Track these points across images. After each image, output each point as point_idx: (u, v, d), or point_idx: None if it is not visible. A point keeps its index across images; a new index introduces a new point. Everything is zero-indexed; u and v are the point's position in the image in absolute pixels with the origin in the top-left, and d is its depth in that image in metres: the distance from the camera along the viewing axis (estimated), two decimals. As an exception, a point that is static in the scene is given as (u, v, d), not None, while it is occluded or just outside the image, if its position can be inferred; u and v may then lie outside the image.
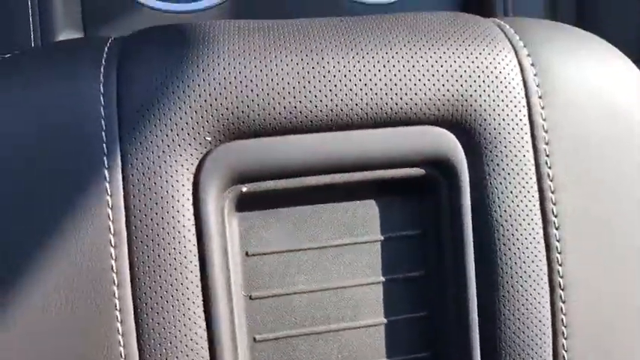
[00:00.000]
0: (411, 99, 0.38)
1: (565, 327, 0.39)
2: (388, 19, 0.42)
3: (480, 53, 0.39)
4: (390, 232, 0.40)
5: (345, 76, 0.37)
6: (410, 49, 0.39)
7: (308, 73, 0.37)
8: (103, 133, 0.35)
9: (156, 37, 0.39)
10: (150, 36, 0.40)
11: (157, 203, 0.35)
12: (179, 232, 0.35)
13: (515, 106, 0.39)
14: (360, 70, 0.37)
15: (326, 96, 0.37)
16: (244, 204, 0.38)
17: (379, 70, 0.38)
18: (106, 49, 0.38)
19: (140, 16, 0.64)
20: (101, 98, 0.35)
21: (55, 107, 0.35)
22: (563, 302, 0.39)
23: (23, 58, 0.39)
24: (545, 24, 0.45)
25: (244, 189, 0.37)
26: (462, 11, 0.70)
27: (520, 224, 0.39)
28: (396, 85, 0.38)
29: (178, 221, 0.35)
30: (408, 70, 0.38)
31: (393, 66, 0.38)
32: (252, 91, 0.36)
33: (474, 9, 0.67)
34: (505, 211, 0.39)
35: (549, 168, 0.39)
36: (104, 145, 0.35)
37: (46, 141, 0.35)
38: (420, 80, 0.38)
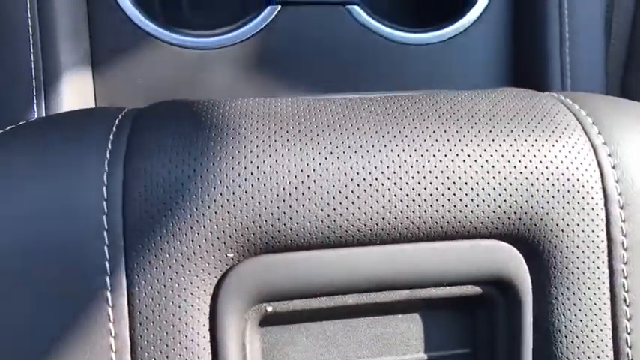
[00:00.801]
0: (468, 208, 0.32)
1: None
2: (437, 100, 0.36)
3: (550, 150, 0.33)
4: (436, 350, 0.35)
5: (389, 179, 0.31)
6: (466, 144, 0.33)
7: (347, 176, 0.31)
8: (106, 248, 0.29)
9: (170, 119, 0.33)
10: (163, 118, 0.34)
11: (167, 333, 0.29)
12: (193, 363, 0.29)
13: (593, 220, 0.33)
14: (407, 173, 0.31)
15: (371, 207, 0.31)
16: (268, 320, 0.33)
17: (430, 172, 0.32)
18: (112, 134, 0.32)
19: (153, 51, 0.57)
20: (104, 205, 0.30)
21: (48, 213, 0.30)
22: None
23: (18, 139, 0.34)
24: (622, 106, 0.39)
25: (269, 308, 0.32)
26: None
27: (585, 352, 0.33)
28: (449, 190, 0.32)
29: (192, 352, 0.30)
30: (465, 172, 0.32)
31: (447, 166, 0.32)
32: (284, 196, 0.30)
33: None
34: (571, 332, 0.33)
35: (626, 292, 0.33)
36: (106, 262, 0.29)
37: (37, 255, 0.29)
38: (478, 184, 0.32)
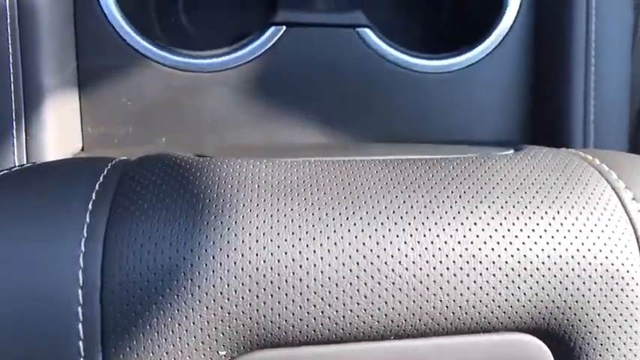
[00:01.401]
0: (492, 299, 0.28)
1: None
2: (454, 167, 0.32)
3: (585, 232, 0.30)
4: None
5: (407, 270, 0.27)
6: (488, 223, 0.29)
7: (359, 265, 0.27)
8: (81, 344, 0.25)
9: (159, 187, 0.29)
10: (151, 185, 0.30)
11: None
12: None
13: (632, 314, 0.29)
14: (426, 261, 0.28)
15: (385, 300, 0.27)
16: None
17: (447, 256, 0.28)
18: (91, 203, 0.28)
19: (144, 71, 0.53)
20: (79, 293, 0.26)
21: (15, 295, 0.26)
22: None
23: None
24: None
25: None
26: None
27: None
28: (470, 277, 0.28)
29: None
30: (486, 256, 0.28)
31: (466, 249, 0.28)
32: (286, 289, 0.26)
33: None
34: None
35: (666, 394, 0.30)
36: (81, 360, 0.25)
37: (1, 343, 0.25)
38: (502, 270, 0.28)
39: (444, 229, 0.28)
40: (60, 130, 0.50)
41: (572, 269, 0.29)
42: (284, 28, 0.53)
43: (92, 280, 0.26)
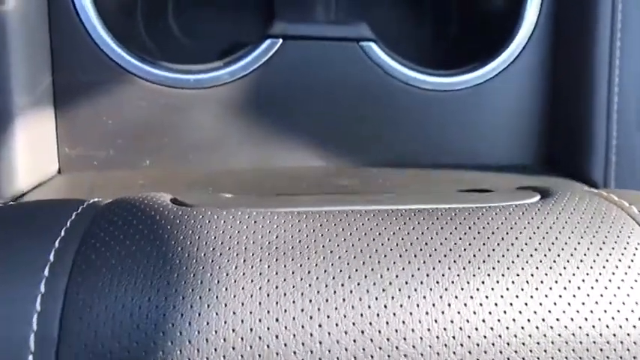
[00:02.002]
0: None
1: None
2: (478, 220, 0.27)
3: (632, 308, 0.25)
4: None
5: (423, 356, 0.23)
6: (516, 295, 0.24)
7: (365, 352, 0.23)
8: None
9: (131, 246, 0.25)
10: (122, 240, 0.25)
11: None
12: None
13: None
14: (446, 347, 0.23)
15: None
16: None
17: (468, 335, 0.24)
18: (46, 268, 0.24)
19: (127, 88, 0.48)
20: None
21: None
22: None
23: None
24: None
25: None
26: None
27: None
28: None
29: None
30: (515, 335, 0.24)
31: (491, 328, 0.24)
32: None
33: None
34: None
35: None
36: None
37: None
38: (532, 352, 0.24)
39: (465, 304, 0.24)
40: (33, 152, 0.46)
41: (621, 342, 0.25)
42: (281, 40, 0.49)
43: (45, 347, 0.22)
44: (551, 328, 0.25)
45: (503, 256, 0.26)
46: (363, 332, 0.23)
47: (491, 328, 0.24)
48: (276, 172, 0.47)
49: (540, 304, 0.25)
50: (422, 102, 0.51)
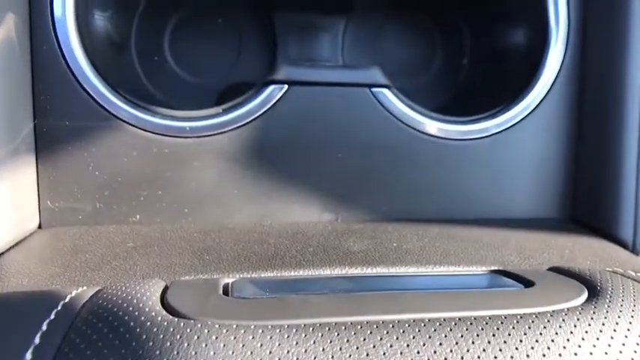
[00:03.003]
0: None
1: None
2: (514, 331, 0.23)
3: None
4: None
5: None
6: None
7: None
8: None
9: (113, 348, 0.21)
10: (107, 339, 0.21)
11: None
12: None
13: None
14: None
15: None
16: None
17: None
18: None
19: (117, 136, 0.44)
20: None
21: None
22: None
23: None
24: None
25: None
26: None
27: None
28: None
29: None
30: None
31: None
32: None
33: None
34: None
35: None
36: None
37: None
38: None
39: None
40: (11, 206, 0.41)
41: None
42: (286, 86, 0.45)
43: None
44: None
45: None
46: None
47: None
48: (279, 230, 0.43)
49: None
50: (437, 151, 0.47)
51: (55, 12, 0.42)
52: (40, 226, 0.44)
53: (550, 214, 0.50)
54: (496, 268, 0.37)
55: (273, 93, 0.45)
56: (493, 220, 0.48)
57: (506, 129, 0.48)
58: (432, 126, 0.47)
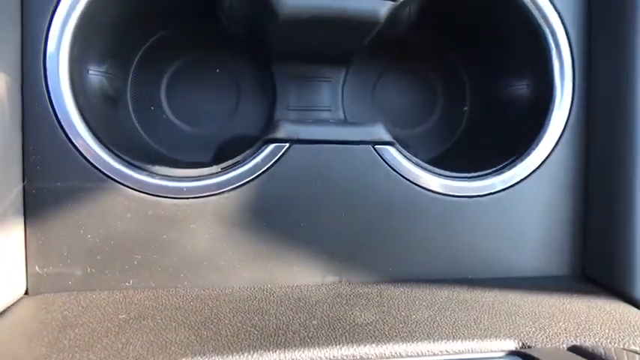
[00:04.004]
0: None
1: None
2: None
3: None
4: None
5: None
6: None
7: None
8: None
9: None
10: None
11: None
12: None
13: None
14: None
15: None
16: None
17: None
18: None
19: (109, 196, 0.42)
20: None
21: None
22: None
23: None
24: None
25: None
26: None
27: None
28: None
29: None
30: None
31: None
32: None
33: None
34: None
35: None
36: None
37: None
38: None
39: None
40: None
41: None
42: (286, 145, 0.43)
43: None
44: None
45: None
46: None
47: None
48: (280, 296, 0.41)
49: None
50: (443, 209, 0.46)
51: (47, 68, 0.41)
52: (27, 292, 0.42)
53: (561, 272, 0.49)
54: (512, 343, 0.35)
55: (273, 152, 0.43)
56: (503, 279, 0.46)
57: (512, 185, 0.47)
58: (438, 183, 0.46)
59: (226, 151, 0.50)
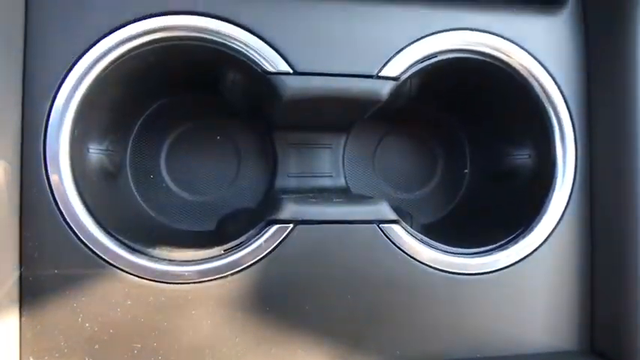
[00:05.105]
0: None
1: None
2: None
3: None
4: None
5: None
6: None
7: None
8: None
9: None
10: None
11: None
12: None
13: None
14: None
15: None
16: None
17: None
18: None
19: (107, 282, 0.41)
20: None
21: None
22: None
23: None
24: None
25: None
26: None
27: None
28: None
29: None
30: None
31: None
32: None
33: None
34: None
35: None
36: None
37: None
38: None
39: None
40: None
41: None
42: (291, 226, 0.43)
43: None
44: None
45: None
46: None
47: None
48: None
49: None
50: (450, 287, 0.45)
51: (48, 153, 0.40)
52: (20, 385, 0.40)
53: (569, 347, 0.48)
54: None
55: (277, 233, 0.42)
56: (512, 357, 0.45)
57: (517, 261, 0.46)
58: (443, 260, 0.45)
59: (228, 227, 0.49)
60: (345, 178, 0.56)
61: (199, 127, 0.56)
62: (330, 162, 0.56)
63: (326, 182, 0.56)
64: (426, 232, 0.51)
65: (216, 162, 0.56)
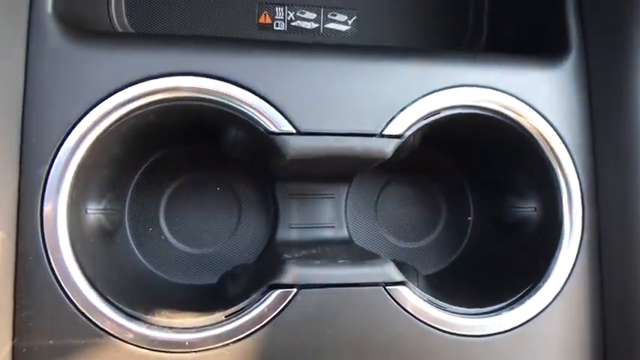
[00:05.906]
0: None
1: None
2: None
3: None
4: None
5: None
6: None
7: None
8: None
9: None
10: None
11: None
12: None
13: None
14: None
15: None
16: None
17: None
18: None
19: (106, 352, 0.39)
20: None
21: None
22: None
23: None
24: None
25: None
26: None
27: None
28: None
29: None
30: None
31: None
32: None
33: None
34: None
35: None
36: None
37: None
38: None
39: None
40: None
41: None
42: (294, 290, 0.41)
43: None
44: None
45: None
46: None
47: None
48: None
49: None
50: (459, 349, 0.43)
51: (45, 219, 0.39)
52: None
53: None
54: None
55: (280, 298, 0.41)
56: None
57: (526, 322, 0.45)
58: (452, 322, 0.44)
59: (229, 288, 0.47)
60: (348, 228, 0.56)
61: (198, 178, 0.55)
62: (333, 212, 0.55)
63: (328, 233, 0.55)
64: (430, 283, 0.50)
65: (216, 214, 0.55)
